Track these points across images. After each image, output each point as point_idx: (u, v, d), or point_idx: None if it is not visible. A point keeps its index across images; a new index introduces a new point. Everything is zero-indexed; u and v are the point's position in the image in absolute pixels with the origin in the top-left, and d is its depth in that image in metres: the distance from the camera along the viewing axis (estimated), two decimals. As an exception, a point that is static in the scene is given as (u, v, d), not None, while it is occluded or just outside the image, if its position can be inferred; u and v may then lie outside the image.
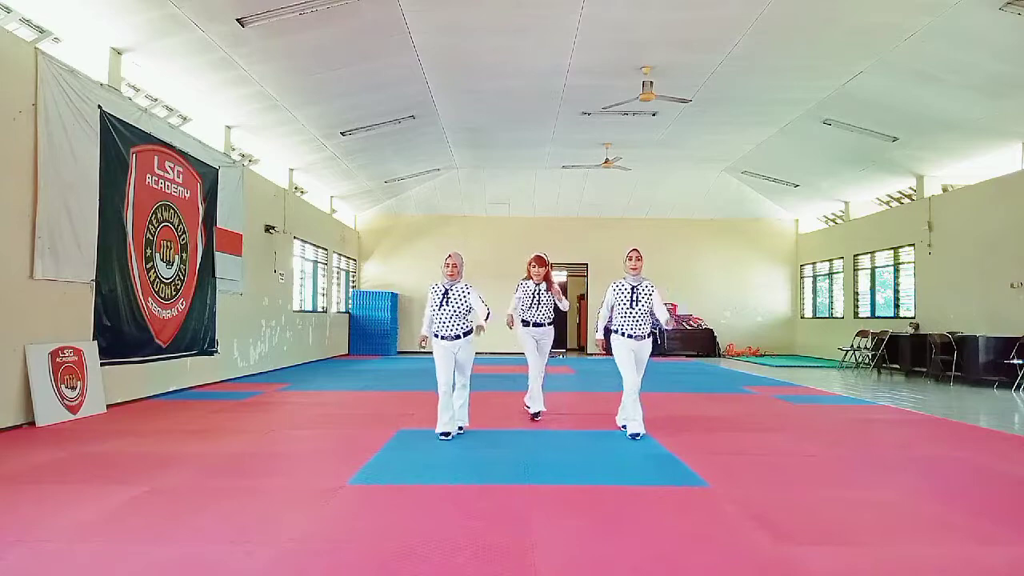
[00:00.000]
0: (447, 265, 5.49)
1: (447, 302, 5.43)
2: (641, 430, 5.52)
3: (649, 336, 5.65)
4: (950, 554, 3.01)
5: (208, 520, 3.36)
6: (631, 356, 5.61)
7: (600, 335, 6.15)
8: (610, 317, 5.74)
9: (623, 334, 5.60)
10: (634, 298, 5.56)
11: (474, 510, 3.58)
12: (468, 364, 5.64)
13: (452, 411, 5.53)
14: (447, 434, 5.44)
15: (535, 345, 6.53)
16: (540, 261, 6.46)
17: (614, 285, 5.71)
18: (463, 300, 5.46)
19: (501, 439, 5.51)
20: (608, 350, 5.82)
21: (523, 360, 6.72)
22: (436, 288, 5.52)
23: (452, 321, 5.43)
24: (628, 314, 5.56)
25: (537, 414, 6.48)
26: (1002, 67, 8.17)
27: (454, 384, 5.58)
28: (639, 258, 5.66)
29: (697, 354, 17.09)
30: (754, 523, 3.36)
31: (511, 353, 15.74)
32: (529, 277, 6.49)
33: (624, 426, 5.70)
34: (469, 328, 5.50)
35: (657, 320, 5.64)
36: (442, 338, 5.44)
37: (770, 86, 9.98)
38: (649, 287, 5.63)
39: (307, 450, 5.21)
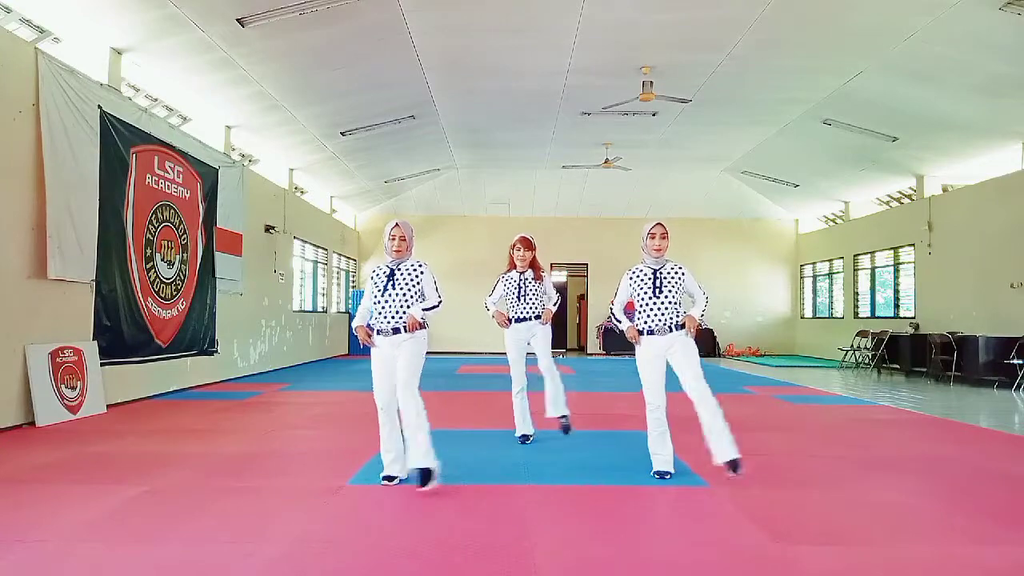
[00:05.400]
0: (392, 238, 4.15)
1: (393, 285, 4.09)
2: (669, 468, 4.31)
3: (682, 329, 4.26)
4: (950, 554, 3.01)
5: (208, 520, 3.36)
6: (658, 363, 4.28)
7: (624, 325, 4.43)
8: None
9: (644, 332, 4.32)
10: (656, 285, 4.28)
11: (474, 510, 3.58)
12: (411, 368, 4.03)
13: (398, 446, 4.08)
14: (391, 478, 4.06)
15: (521, 348, 5.29)
16: (526, 243, 5.28)
17: (630, 273, 4.46)
18: (413, 281, 4.12)
19: (501, 439, 5.49)
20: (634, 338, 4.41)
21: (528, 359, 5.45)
22: (378, 272, 4.19)
23: (398, 311, 4.05)
24: (649, 306, 4.28)
25: (525, 437, 5.35)
26: (1002, 67, 8.16)
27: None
28: (664, 235, 4.32)
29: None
30: (754, 523, 3.36)
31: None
32: (512, 267, 5.31)
33: (659, 472, 4.32)
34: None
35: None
36: (379, 333, 4.08)
37: (770, 86, 9.97)
38: (678, 270, 4.34)
39: (307, 450, 5.21)
